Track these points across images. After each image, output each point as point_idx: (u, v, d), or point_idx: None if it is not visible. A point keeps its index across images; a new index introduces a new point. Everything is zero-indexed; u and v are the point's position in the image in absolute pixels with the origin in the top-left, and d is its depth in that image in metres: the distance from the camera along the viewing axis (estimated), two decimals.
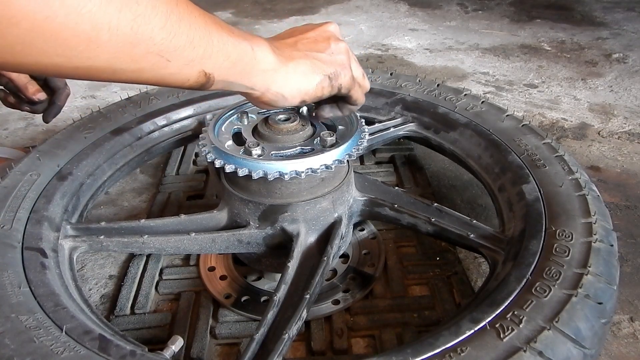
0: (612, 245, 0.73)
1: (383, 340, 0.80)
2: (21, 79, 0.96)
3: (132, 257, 0.97)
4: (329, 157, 0.73)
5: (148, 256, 0.97)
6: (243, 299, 0.87)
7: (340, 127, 0.82)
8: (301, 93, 0.63)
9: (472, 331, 0.61)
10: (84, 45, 0.41)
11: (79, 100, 1.64)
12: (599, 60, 1.90)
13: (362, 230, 1.01)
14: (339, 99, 0.74)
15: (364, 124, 0.81)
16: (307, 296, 0.69)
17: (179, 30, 0.47)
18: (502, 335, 0.60)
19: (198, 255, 0.97)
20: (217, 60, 0.52)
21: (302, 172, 0.71)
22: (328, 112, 0.77)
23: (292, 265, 0.74)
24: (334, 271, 0.92)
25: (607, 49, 1.99)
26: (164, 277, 0.94)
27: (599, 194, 0.84)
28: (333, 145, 0.75)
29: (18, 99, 0.99)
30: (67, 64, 0.42)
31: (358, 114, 0.82)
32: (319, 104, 0.77)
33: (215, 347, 0.82)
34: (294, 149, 0.76)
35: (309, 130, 0.80)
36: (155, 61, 0.46)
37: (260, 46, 0.58)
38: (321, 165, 0.72)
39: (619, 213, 1.10)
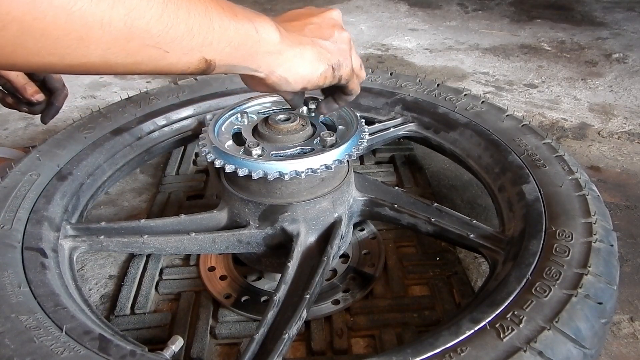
0: (612, 245, 0.73)
1: (383, 340, 0.80)
2: (19, 79, 0.96)
3: (132, 257, 0.97)
4: (329, 157, 0.73)
5: (148, 256, 0.97)
6: (243, 299, 0.87)
7: (340, 127, 0.82)
8: (304, 80, 0.62)
9: (472, 331, 0.61)
10: (76, 44, 0.40)
11: (79, 100, 1.64)
12: (599, 60, 1.90)
13: (362, 230, 1.01)
14: (335, 90, 0.74)
15: (364, 124, 0.81)
16: (307, 296, 0.69)
17: (177, 20, 0.45)
18: (502, 335, 0.60)
19: (198, 255, 0.97)
20: (219, 46, 0.51)
21: (302, 172, 0.71)
22: (324, 109, 0.77)
23: (292, 265, 0.74)
24: (334, 271, 0.92)
25: (607, 49, 1.99)
26: (164, 277, 0.94)
27: (599, 194, 0.84)
28: (333, 145, 0.75)
29: (16, 100, 0.99)
30: (60, 62, 0.42)
31: (358, 114, 0.82)
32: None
33: (215, 347, 0.81)
34: (294, 149, 0.76)
35: (309, 130, 0.80)
36: (152, 53, 0.45)
37: (265, 27, 0.56)
38: (321, 166, 0.72)
39: (619, 213, 1.10)
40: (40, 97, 0.98)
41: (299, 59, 0.61)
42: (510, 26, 2.28)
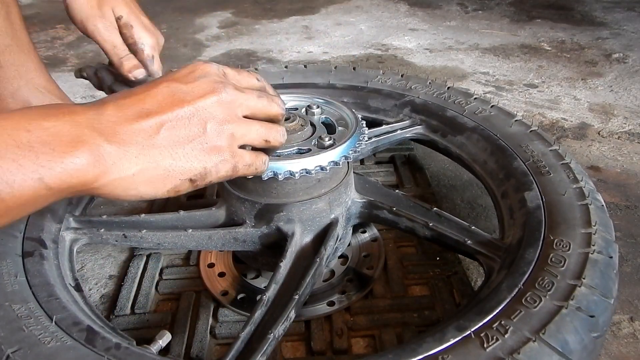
0: (611, 257, 0.70)
1: (383, 340, 0.80)
2: (116, 51, 0.79)
3: (132, 257, 0.98)
4: (325, 158, 0.72)
5: (148, 256, 0.97)
6: (239, 296, 0.87)
7: (339, 128, 0.82)
8: (143, 198, 0.54)
9: (456, 339, 0.59)
10: None
11: (78, 100, 1.64)
12: (599, 60, 1.90)
13: (364, 232, 1.01)
14: None
15: (364, 125, 0.80)
16: (296, 297, 0.69)
17: None
18: (485, 345, 0.58)
19: (198, 253, 0.97)
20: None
21: (296, 172, 0.70)
22: None
23: (285, 265, 0.74)
24: (333, 272, 0.92)
25: (607, 49, 1.99)
26: (164, 277, 0.94)
27: (603, 203, 0.81)
28: (330, 147, 0.75)
29: (113, 77, 0.84)
30: None
31: (359, 115, 0.82)
32: None
33: (215, 347, 0.82)
34: (291, 149, 0.76)
35: (308, 130, 0.79)
36: None
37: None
38: (316, 167, 0.71)
39: (619, 213, 1.10)
40: (139, 72, 0.81)
41: (138, 182, 0.52)
42: (510, 26, 2.28)
